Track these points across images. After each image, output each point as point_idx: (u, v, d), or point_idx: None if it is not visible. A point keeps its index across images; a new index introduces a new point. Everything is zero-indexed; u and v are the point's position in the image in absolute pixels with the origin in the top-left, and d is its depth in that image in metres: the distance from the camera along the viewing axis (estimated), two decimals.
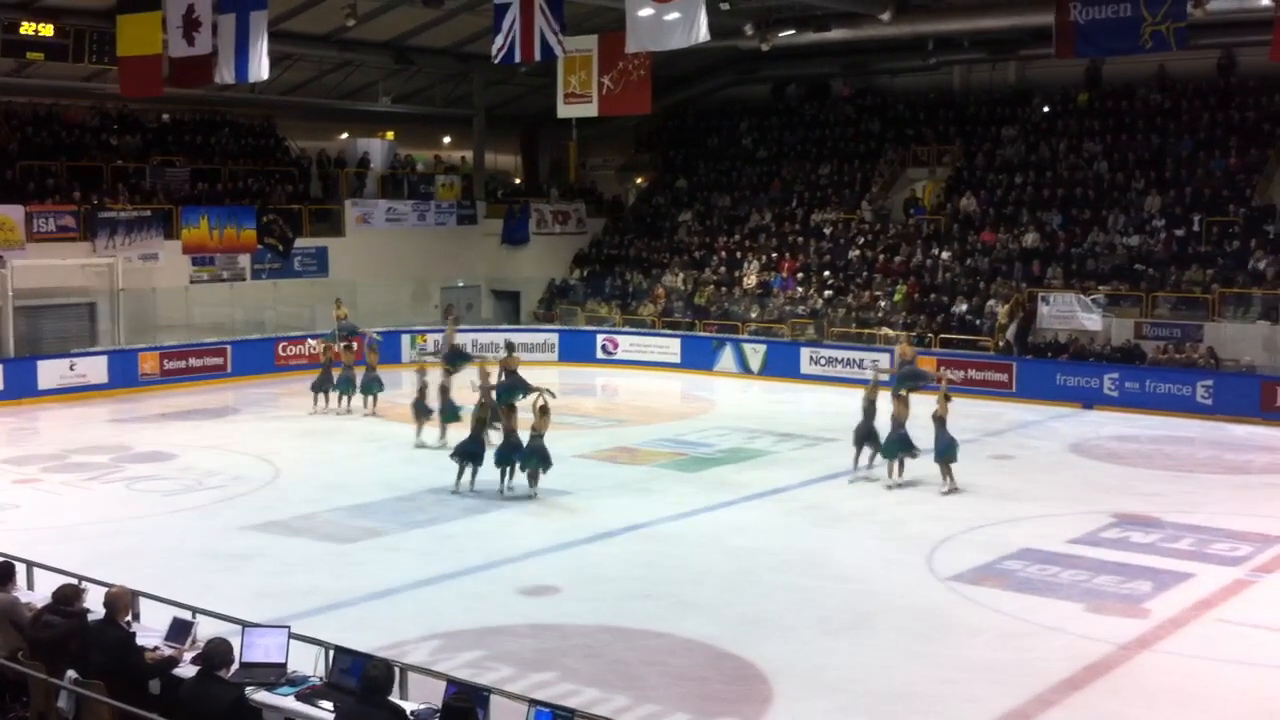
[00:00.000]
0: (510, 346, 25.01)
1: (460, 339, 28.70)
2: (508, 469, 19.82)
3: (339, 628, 12.08)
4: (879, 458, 21.22)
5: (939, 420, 20.53)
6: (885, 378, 22.89)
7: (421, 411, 23.97)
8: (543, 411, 19.87)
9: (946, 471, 20.45)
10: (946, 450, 20.47)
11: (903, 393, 21.23)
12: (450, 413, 23.69)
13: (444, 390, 23.80)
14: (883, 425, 21.09)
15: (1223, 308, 29.50)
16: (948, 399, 20.78)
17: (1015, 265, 33.00)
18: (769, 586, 15.48)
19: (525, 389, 21.09)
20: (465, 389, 22.83)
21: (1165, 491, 20.60)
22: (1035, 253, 33.15)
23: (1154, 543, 17.47)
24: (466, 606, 14.62)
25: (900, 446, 20.76)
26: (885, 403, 21.21)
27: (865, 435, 21.32)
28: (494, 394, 21.20)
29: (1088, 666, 12.85)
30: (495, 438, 20.37)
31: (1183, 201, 32.70)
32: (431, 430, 23.84)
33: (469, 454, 20.29)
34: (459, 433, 21.84)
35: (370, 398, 27.53)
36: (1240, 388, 27.43)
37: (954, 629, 14.01)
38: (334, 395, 27.80)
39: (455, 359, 25.92)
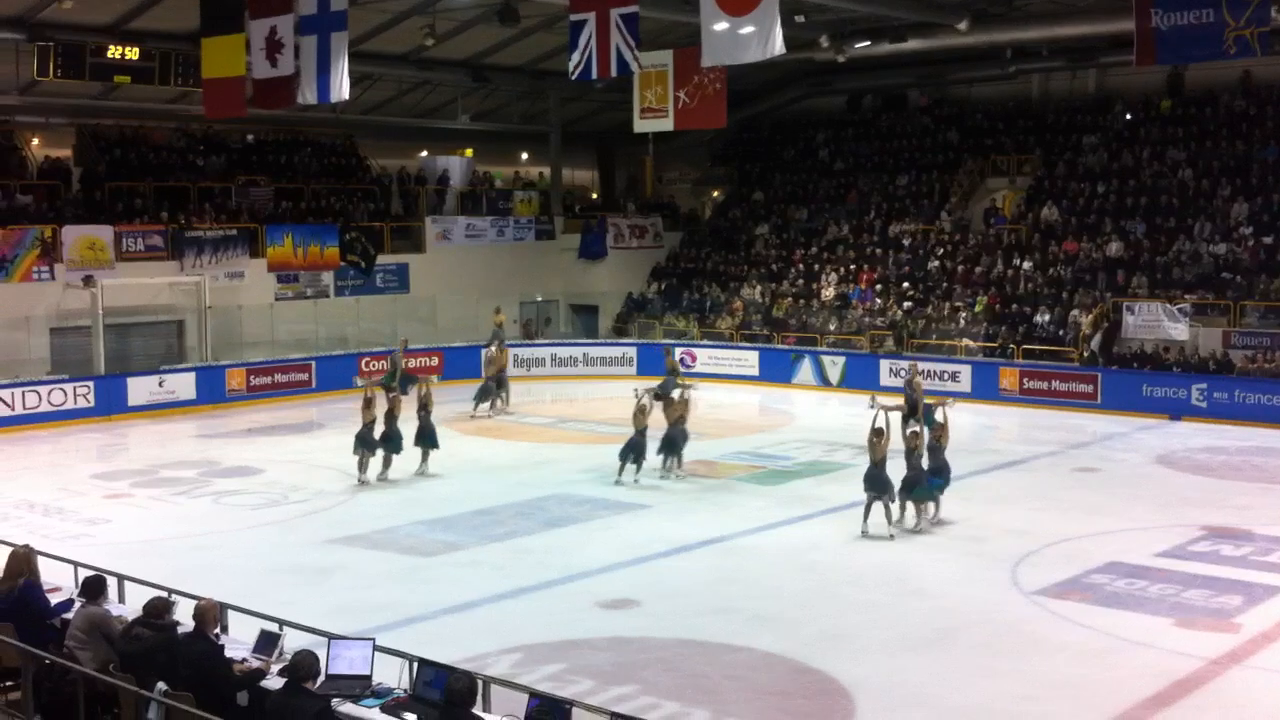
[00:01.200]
0: (669, 351, 27.10)
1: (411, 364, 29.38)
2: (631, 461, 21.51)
3: (419, 641, 12.17)
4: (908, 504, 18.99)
5: (939, 450, 19.43)
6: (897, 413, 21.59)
7: (367, 445, 22.22)
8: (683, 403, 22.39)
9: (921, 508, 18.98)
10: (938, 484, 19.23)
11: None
12: (395, 442, 22.43)
13: (391, 417, 22.42)
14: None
15: None
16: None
17: (1099, 275, 32.56)
18: (847, 601, 15.39)
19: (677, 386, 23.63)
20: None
21: (1255, 504, 20.19)
22: (1119, 262, 32.67)
23: (1245, 556, 17.13)
24: (545, 620, 14.68)
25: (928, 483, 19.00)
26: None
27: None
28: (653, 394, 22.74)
29: (1176, 682, 12.63)
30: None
31: (1270, 208, 32.08)
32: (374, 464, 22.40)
33: (633, 446, 22.03)
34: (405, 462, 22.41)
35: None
36: None
37: (1037, 644, 13.83)
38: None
39: (405, 384, 26.15)
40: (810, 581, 16.20)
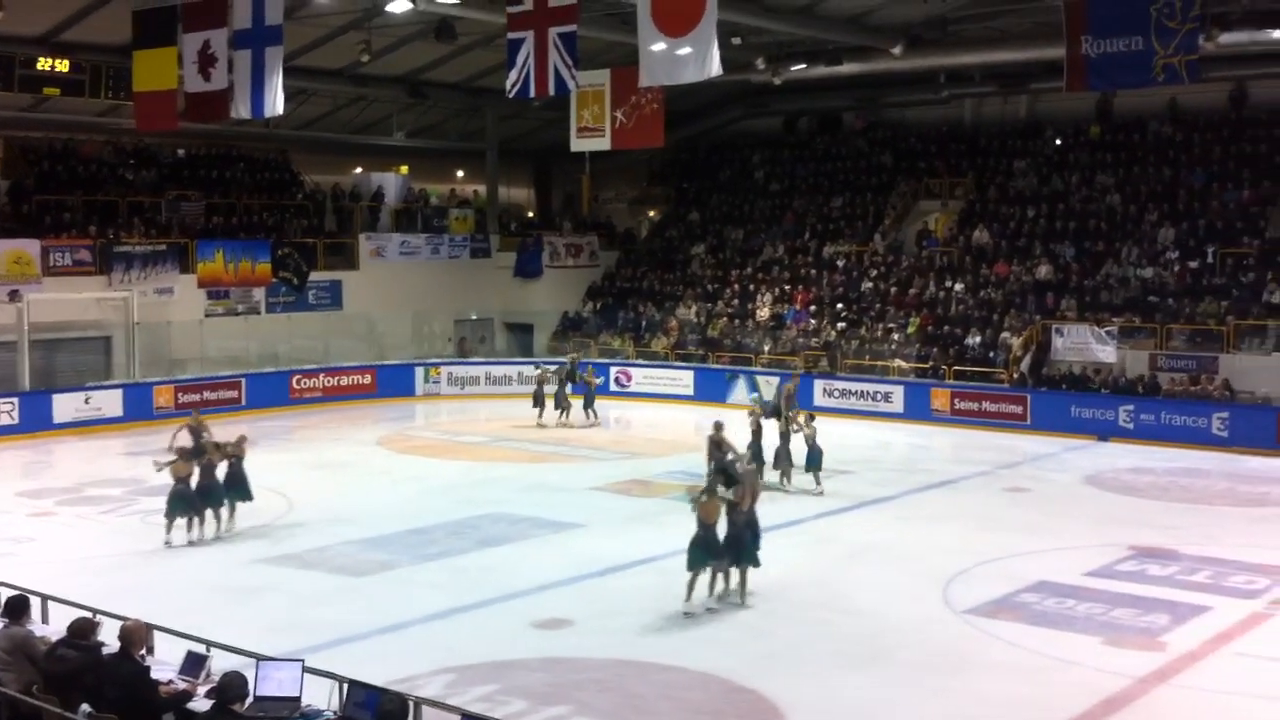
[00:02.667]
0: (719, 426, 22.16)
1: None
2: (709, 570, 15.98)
3: (352, 661, 12.05)
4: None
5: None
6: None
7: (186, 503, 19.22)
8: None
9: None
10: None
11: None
12: (242, 489, 19.83)
13: (210, 470, 19.55)
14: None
15: (1238, 340, 29.42)
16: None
17: (1029, 297, 32.98)
18: (783, 620, 15.43)
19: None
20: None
21: (1181, 524, 20.50)
22: (1049, 285, 33.13)
23: (1171, 575, 17.38)
24: (480, 640, 14.58)
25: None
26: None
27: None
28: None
29: (1104, 700, 12.76)
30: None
31: (1196, 234, 32.68)
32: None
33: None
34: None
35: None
36: (1256, 420, 27.33)
37: (970, 663, 13.94)
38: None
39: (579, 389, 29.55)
40: (746, 600, 16.21)
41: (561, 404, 30.70)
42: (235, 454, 19.66)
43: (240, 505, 19.70)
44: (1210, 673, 13.66)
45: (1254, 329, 29.50)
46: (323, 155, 41.30)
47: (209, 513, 19.18)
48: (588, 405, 30.89)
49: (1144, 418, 28.24)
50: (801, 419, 23.12)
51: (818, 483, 22.59)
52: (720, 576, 15.91)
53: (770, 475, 22.65)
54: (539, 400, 31.12)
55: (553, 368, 31.84)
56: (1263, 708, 12.70)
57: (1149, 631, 14.96)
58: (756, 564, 16.01)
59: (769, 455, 23.14)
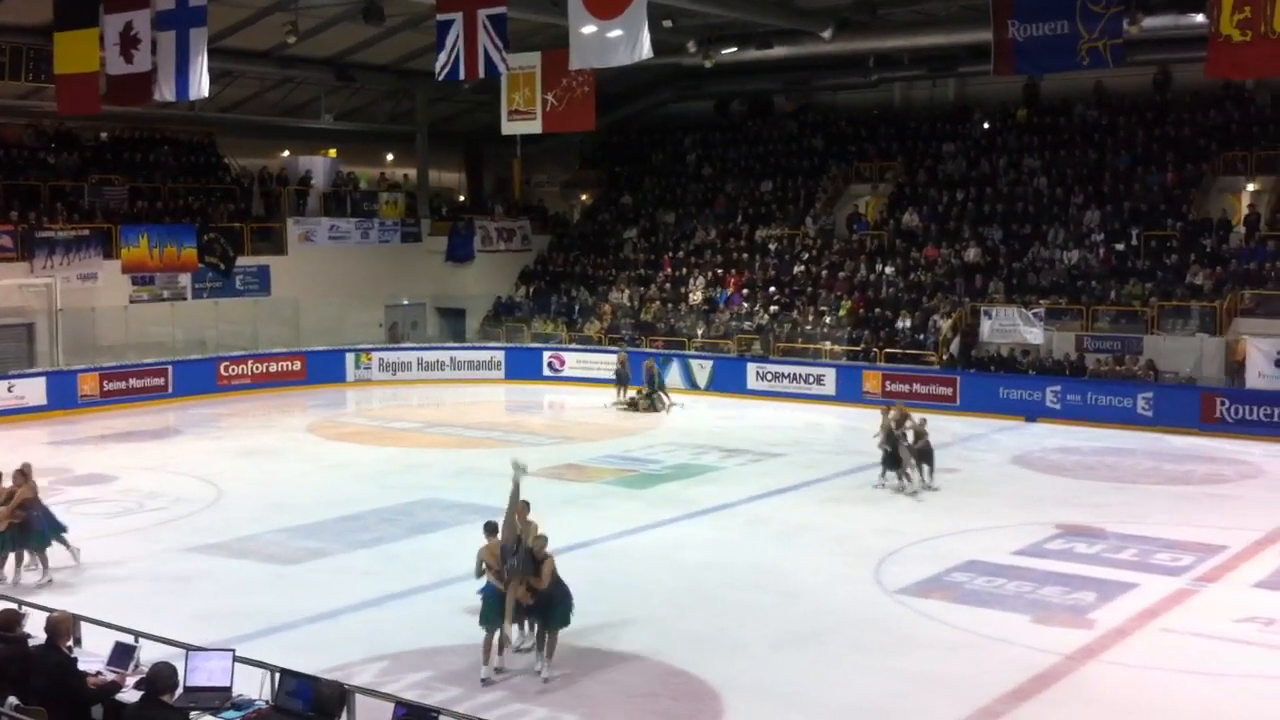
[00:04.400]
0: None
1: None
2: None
3: (284, 650, 11.93)
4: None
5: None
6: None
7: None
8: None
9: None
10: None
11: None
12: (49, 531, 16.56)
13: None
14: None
15: (1162, 321, 29.90)
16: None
17: (958, 280, 33.30)
18: (717, 602, 15.48)
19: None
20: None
21: (1108, 503, 20.81)
22: (977, 267, 33.47)
23: (1098, 553, 17.65)
24: (413, 627, 14.50)
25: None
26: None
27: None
28: None
29: (1034, 677, 12.94)
30: None
31: (1121, 216, 33.16)
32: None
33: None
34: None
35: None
36: (1180, 400, 27.80)
37: (902, 642, 14.07)
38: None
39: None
40: (680, 583, 16.26)
41: (658, 402, 31.19)
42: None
43: (193, 492, 19.28)
44: (1137, 648, 13.90)
45: (1177, 310, 29.99)
46: (249, 138, 40.71)
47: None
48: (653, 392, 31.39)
49: (1070, 398, 28.65)
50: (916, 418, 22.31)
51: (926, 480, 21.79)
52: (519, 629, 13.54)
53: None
54: (622, 380, 31.91)
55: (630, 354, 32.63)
56: (1188, 682, 12.93)
57: (1077, 609, 15.18)
58: (566, 623, 13.13)
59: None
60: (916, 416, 22.37)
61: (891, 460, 21.72)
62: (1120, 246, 32.38)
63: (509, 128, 25.52)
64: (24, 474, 16.35)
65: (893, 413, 22.16)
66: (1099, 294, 31.21)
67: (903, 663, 13.39)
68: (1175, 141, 34.58)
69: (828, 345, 33.16)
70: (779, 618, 14.92)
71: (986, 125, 38.21)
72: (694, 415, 30.36)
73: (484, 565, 13.26)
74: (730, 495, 21.43)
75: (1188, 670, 13.20)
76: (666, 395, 31.47)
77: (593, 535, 18.58)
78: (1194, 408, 27.51)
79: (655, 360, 32.28)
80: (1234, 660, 13.53)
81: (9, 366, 30.29)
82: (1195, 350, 28.85)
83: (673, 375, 33.30)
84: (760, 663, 13.41)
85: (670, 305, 37.04)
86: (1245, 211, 32.42)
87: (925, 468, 21.72)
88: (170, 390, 31.94)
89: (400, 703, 9.15)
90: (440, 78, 21.11)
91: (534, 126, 25.05)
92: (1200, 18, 26.54)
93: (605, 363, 35.03)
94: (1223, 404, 27.37)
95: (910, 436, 21.75)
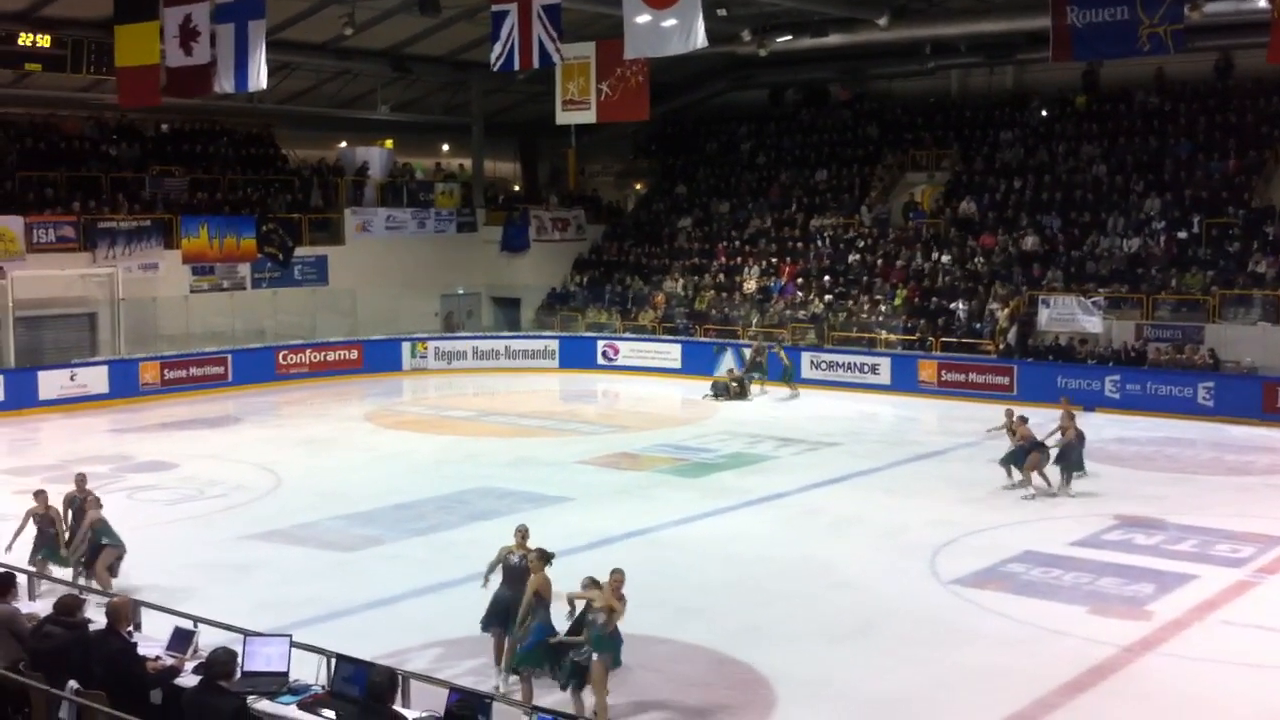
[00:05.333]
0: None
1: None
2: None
3: (340, 636, 12.04)
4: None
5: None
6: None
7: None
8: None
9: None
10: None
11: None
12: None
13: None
14: None
15: (1223, 309, 29.49)
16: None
17: (1015, 268, 33.00)
18: (770, 593, 15.46)
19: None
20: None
21: (1167, 494, 20.58)
22: (1035, 256, 33.15)
23: (1156, 545, 17.46)
24: (468, 614, 14.52)
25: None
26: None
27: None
28: None
29: (1091, 669, 12.83)
30: None
31: (1182, 204, 32.70)
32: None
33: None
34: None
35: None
36: (1241, 389, 27.42)
37: (955, 633, 13.99)
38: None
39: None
40: (733, 573, 16.26)
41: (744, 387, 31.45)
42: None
43: (251, 480, 19.18)
44: (1196, 641, 13.75)
45: (1239, 299, 29.56)
46: (307, 130, 41.09)
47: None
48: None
49: (1130, 388, 28.32)
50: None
51: (1066, 482, 20.54)
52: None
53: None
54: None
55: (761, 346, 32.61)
56: (1248, 675, 12.77)
57: (1135, 600, 15.04)
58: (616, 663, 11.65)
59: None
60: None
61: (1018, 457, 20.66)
62: (1181, 234, 31.94)
63: (563, 118, 25.55)
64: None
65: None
66: (1159, 282, 30.82)
67: (956, 655, 13.32)
68: (1237, 128, 34.03)
69: (883, 334, 32.98)
70: (831, 608, 14.88)
71: (1045, 113, 37.77)
72: (749, 406, 30.30)
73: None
74: (784, 485, 21.38)
75: (1246, 663, 13.04)
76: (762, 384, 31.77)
77: (647, 524, 18.62)
78: (1256, 397, 27.12)
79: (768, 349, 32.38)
80: None
81: (72, 355, 30.77)
82: (1257, 339, 28.44)
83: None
84: (812, 653, 13.38)
85: (724, 294, 36.98)
86: None
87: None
88: (230, 379, 32.31)
89: (454, 689, 9.22)
90: (495, 68, 21.18)
91: (588, 116, 25.05)
92: (1263, 2, 26.12)
93: (660, 352, 35.07)
94: None
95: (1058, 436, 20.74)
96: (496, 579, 12.70)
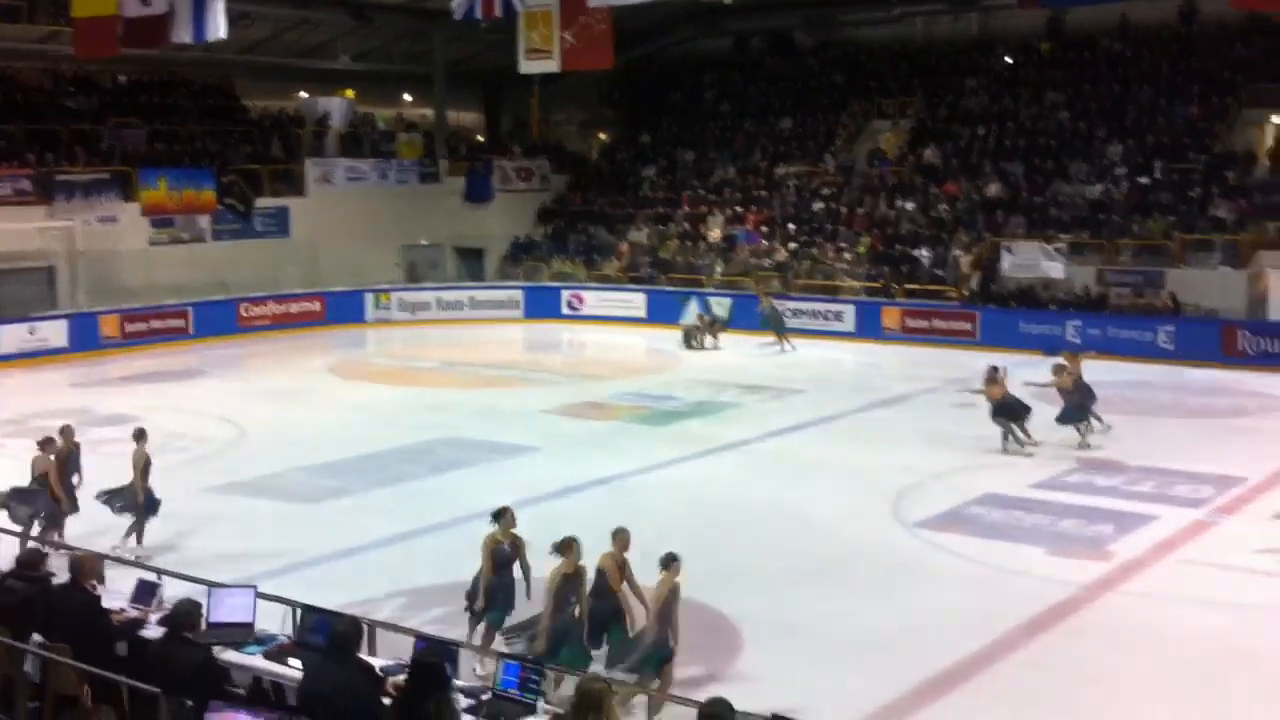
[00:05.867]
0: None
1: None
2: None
3: (306, 587, 12.02)
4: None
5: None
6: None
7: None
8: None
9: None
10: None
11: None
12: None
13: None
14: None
15: (1184, 254, 29.68)
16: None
17: (978, 215, 33.09)
18: (736, 538, 15.55)
19: None
20: None
21: (1126, 436, 20.74)
22: (998, 202, 33.24)
23: (1117, 486, 17.65)
24: (434, 563, 14.62)
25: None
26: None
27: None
28: None
29: (1051, 608, 12.99)
30: None
31: (1144, 150, 32.84)
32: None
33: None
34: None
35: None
36: (1201, 333, 27.69)
37: (919, 575, 14.13)
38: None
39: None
40: (699, 519, 16.33)
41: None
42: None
43: (215, 433, 19.13)
44: (1155, 580, 13.94)
45: (1200, 244, 29.77)
46: (266, 80, 40.63)
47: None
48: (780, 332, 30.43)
49: (1092, 332, 28.52)
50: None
51: (1080, 434, 19.79)
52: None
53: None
54: (776, 326, 30.55)
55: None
56: (1206, 613, 12.95)
57: (1095, 541, 15.21)
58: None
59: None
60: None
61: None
62: (1143, 180, 32.08)
63: (526, 67, 25.28)
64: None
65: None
66: (1121, 228, 30.98)
67: (920, 596, 13.45)
68: (1200, 74, 34.14)
69: (847, 281, 33.05)
70: (797, 553, 14.99)
71: (1009, 60, 37.79)
72: (713, 354, 30.34)
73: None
74: (749, 432, 21.47)
75: (1205, 600, 13.23)
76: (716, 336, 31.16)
77: (613, 472, 18.67)
78: (1215, 341, 27.39)
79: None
80: (1252, 591, 13.55)
81: (31, 309, 30.44)
82: (1218, 283, 28.68)
83: (692, 313, 33.16)
84: (778, 597, 13.48)
85: (689, 243, 36.93)
86: (1270, 144, 32.07)
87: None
88: (191, 331, 32.09)
89: (421, 637, 9.25)
90: (458, 17, 20.97)
91: (551, 65, 24.79)
92: None
93: (625, 301, 35.02)
94: (1244, 337, 27.24)
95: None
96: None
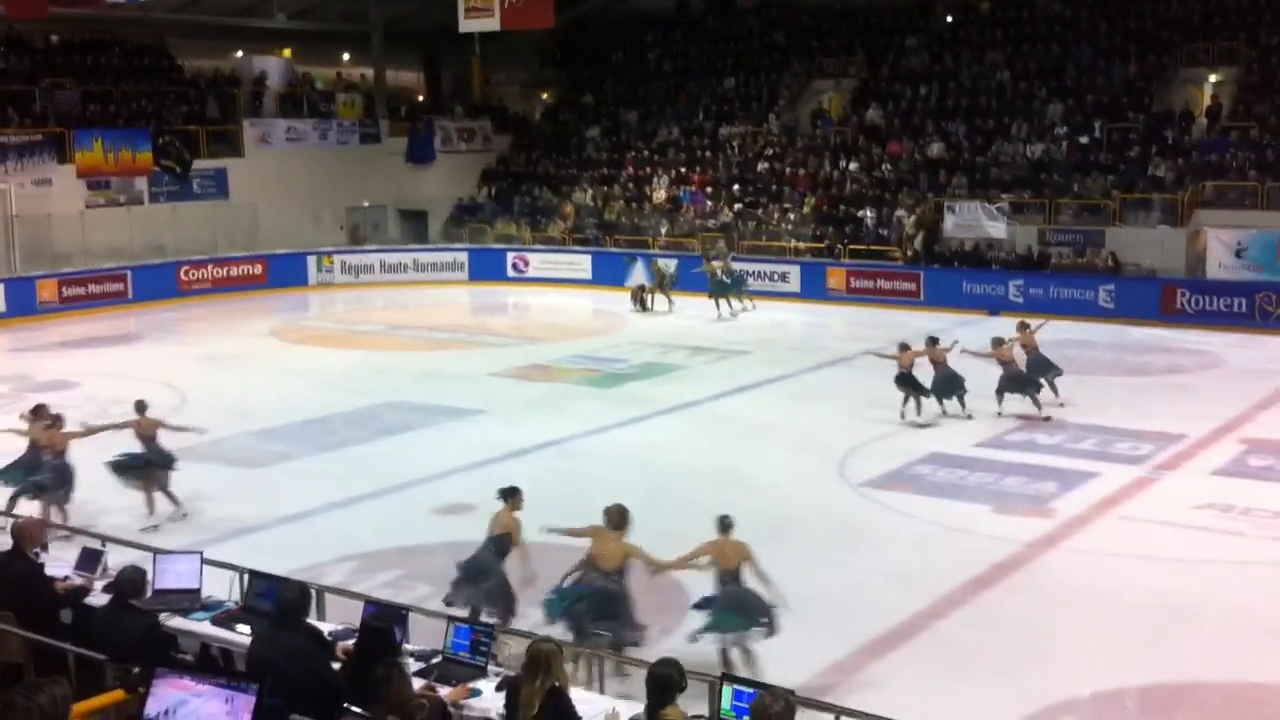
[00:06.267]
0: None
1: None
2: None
3: (253, 552, 11.95)
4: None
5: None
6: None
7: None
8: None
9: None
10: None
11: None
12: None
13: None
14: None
15: (1124, 213, 29.99)
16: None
17: (921, 175, 33.24)
18: (683, 500, 15.56)
19: None
20: None
21: (1068, 394, 20.94)
22: (940, 163, 33.39)
23: (1059, 444, 17.86)
24: (382, 527, 14.57)
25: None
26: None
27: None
28: None
29: (995, 566, 13.16)
30: None
31: (1084, 109, 33.08)
32: None
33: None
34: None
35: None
36: (1140, 291, 28.03)
37: (865, 534, 14.25)
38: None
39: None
40: (647, 481, 16.33)
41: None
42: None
43: (156, 398, 18.79)
44: (1097, 536, 14.14)
45: (1139, 203, 30.08)
46: (201, 39, 39.90)
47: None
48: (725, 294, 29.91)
49: (1033, 291, 28.80)
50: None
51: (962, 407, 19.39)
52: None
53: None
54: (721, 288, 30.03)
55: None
56: (1147, 568, 13.16)
57: (1038, 498, 15.40)
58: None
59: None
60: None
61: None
62: (1083, 140, 32.34)
63: (466, 25, 25.20)
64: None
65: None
66: (1061, 187, 31.24)
67: (867, 555, 13.57)
68: (1138, 33, 34.40)
69: (792, 242, 33.12)
70: (744, 514, 14.88)
71: (950, 19, 37.89)
72: (660, 315, 30.33)
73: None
74: (696, 394, 21.52)
75: (1146, 556, 13.44)
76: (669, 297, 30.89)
77: (559, 435, 18.66)
78: (1154, 299, 27.76)
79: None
80: (1192, 546, 13.79)
81: None
82: (1157, 242, 29.01)
83: (638, 275, 33.13)
84: None
85: (634, 205, 36.84)
86: (1208, 103, 32.40)
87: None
88: (130, 296, 31.67)
89: (370, 601, 9.22)
90: None
91: (492, 24, 24.73)
92: None
93: (570, 263, 34.94)
94: (1183, 295, 27.62)
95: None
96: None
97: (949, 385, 19.26)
